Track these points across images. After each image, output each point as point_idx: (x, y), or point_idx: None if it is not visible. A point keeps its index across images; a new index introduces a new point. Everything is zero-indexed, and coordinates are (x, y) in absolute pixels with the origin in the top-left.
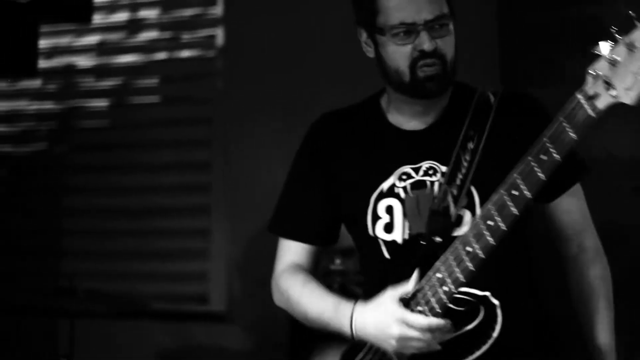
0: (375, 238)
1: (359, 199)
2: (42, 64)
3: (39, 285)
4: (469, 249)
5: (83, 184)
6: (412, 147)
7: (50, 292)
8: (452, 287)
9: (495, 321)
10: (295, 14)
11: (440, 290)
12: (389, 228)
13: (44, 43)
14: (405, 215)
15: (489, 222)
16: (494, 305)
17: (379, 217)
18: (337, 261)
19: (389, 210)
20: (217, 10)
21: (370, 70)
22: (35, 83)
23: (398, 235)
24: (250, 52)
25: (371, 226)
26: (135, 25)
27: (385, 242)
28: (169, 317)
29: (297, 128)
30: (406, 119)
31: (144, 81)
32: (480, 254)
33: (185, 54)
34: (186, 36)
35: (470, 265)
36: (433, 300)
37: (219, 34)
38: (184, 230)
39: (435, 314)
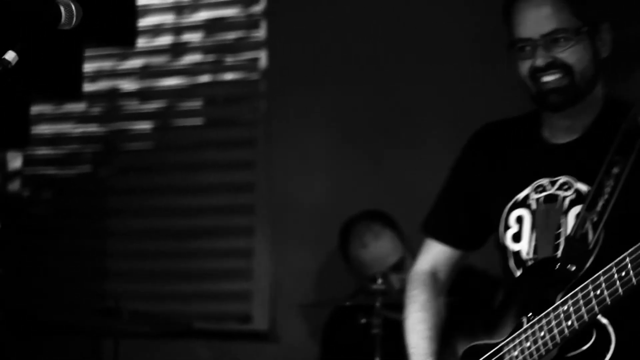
0: (505, 247)
1: (496, 208)
2: (87, 87)
3: (84, 305)
4: (598, 292)
5: (127, 205)
6: (552, 160)
7: (96, 312)
8: (576, 323)
9: (609, 342)
10: (338, 35)
11: (564, 323)
12: (517, 238)
13: (88, 67)
14: (533, 227)
15: (622, 273)
16: (604, 325)
17: (509, 227)
18: (379, 281)
19: (519, 220)
20: (260, 33)
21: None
22: (80, 106)
23: (524, 245)
24: (293, 74)
25: (502, 235)
26: (179, 49)
27: (512, 252)
28: (212, 336)
29: (340, 149)
30: (553, 133)
31: (187, 104)
32: (608, 301)
33: (229, 76)
34: (229, 59)
35: (596, 309)
36: (555, 330)
37: (262, 57)
38: (228, 250)
39: (554, 345)
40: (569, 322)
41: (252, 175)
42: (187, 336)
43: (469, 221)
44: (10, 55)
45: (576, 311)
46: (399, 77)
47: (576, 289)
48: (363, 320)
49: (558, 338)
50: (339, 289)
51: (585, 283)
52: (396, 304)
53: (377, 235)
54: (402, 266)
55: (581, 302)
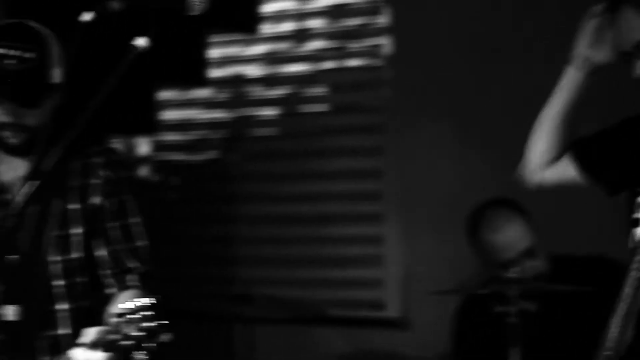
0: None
1: None
2: (213, 73)
3: (216, 292)
4: None
5: (256, 192)
6: None
7: (228, 298)
8: None
9: None
10: (461, 20)
11: None
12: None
13: (214, 53)
14: None
15: None
16: None
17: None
18: (513, 269)
19: None
20: (384, 19)
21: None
22: (206, 92)
23: None
24: (417, 60)
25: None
26: (302, 35)
27: None
28: (345, 323)
29: (467, 133)
30: None
31: (313, 90)
32: None
33: (353, 63)
34: (353, 45)
35: None
36: None
37: (386, 43)
38: (359, 237)
39: None
40: None
41: (379, 162)
42: (320, 323)
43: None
44: (141, 42)
45: None
46: (527, 63)
47: None
48: (498, 309)
49: None
50: (471, 276)
51: None
52: (530, 292)
53: (508, 220)
54: (534, 253)
55: None
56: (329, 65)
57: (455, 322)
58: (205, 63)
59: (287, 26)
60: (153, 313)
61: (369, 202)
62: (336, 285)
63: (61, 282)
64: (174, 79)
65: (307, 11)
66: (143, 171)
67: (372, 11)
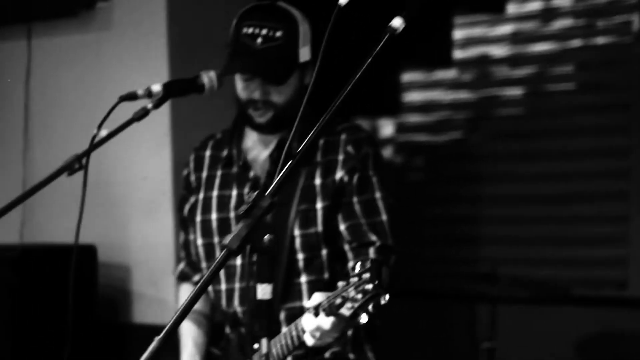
0: None
1: None
2: (457, 54)
3: (460, 271)
4: None
5: (499, 171)
6: None
7: (472, 278)
8: None
9: None
10: None
11: None
12: None
13: (459, 34)
14: None
15: None
16: None
17: None
18: None
19: None
20: None
21: None
22: (451, 73)
23: None
24: None
25: None
26: (549, 14)
27: None
28: (588, 303)
29: None
30: None
31: (559, 69)
32: None
33: (601, 40)
34: (601, 23)
35: None
36: None
37: (635, 20)
38: (602, 216)
39: None
40: None
41: (626, 140)
42: (562, 303)
43: None
44: (397, 22)
45: None
46: None
47: None
48: None
49: None
50: None
51: None
52: None
53: None
54: None
55: None
56: (575, 43)
57: None
58: (450, 44)
59: (534, 5)
60: (375, 276)
61: (614, 180)
62: (579, 264)
63: (302, 256)
64: (419, 60)
65: None
66: (387, 152)
67: None
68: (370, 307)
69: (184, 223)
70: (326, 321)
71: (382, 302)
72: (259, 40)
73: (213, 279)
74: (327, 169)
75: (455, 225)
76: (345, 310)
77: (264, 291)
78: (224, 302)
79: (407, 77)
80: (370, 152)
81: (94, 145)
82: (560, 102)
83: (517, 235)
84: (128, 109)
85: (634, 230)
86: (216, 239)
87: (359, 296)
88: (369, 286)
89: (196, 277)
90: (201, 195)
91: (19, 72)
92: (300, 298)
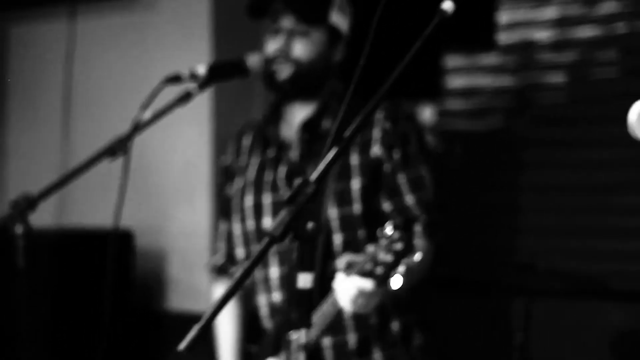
0: None
1: None
2: (501, 38)
3: (497, 261)
4: None
5: (540, 159)
6: None
7: (509, 268)
8: None
9: None
10: None
11: None
12: None
13: (503, 17)
14: None
15: None
16: None
17: None
18: None
19: None
20: None
21: None
22: (494, 58)
23: None
24: None
25: None
26: None
27: None
28: (625, 297)
29: None
30: None
31: (604, 54)
32: None
33: None
34: None
35: None
36: None
37: None
38: None
39: None
40: None
41: None
42: (602, 297)
43: None
44: (448, 5)
45: None
46: None
47: None
48: None
49: None
50: None
51: None
52: None
53: None
54: None
55: None
56: (621, 28)
57: None
58: (495, 27)
59: None
60: (405, 235)
61: None
62: (619, 257)
63: (340, 236)
64: (463, 44)
65: None
66: (427, 138)
67: None
68: (401, 268)
69: (224, 211)
70: (365, 283)
71: (415, 259)
72: None
73: (257, 265)
74: (364, 146)
75: (496, 214)
76: (377, 273)
77: (304, 280)
78: (261, 290)
79: (449, 61)
80: (411, 128)
81: (137, 128)
82: (605, 88)
83: (557, 225)
84: (170, 92)
85: None
86: (252, 224)
87: (389, 258)
88: (399, 245)
89: (233, 270)
90: (240, 181)
91: (59, 54)
92: None
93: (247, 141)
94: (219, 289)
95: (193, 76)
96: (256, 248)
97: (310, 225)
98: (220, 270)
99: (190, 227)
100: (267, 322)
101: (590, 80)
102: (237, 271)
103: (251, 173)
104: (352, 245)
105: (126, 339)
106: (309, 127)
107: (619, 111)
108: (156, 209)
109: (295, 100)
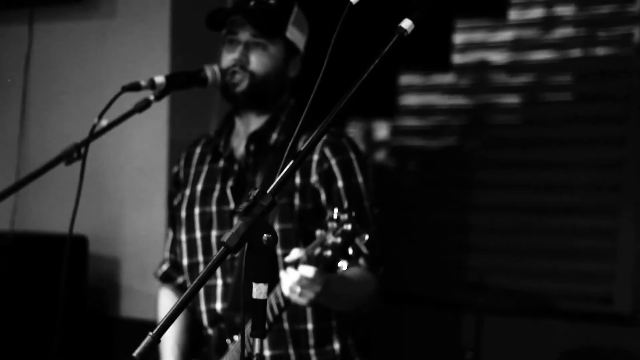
0: None
1: None
2: (456, 59)
3: (447, 278)
4: None
5: (492, 179)
6: None
7: (459, 286)
8: None
9: None
10: None
11: None
12: None
13: (458, 38)
14: None
15: None
16: None
17: None
18: None
19: None
20: (635, 7)
21: None
22: (449, 78)
23: None
24: None
25: None
26: (550, 22)
27: None
28: (573, 317)
29: None
30: None
31: (557, 78)
32: None
33: (601, 51)
34: (602, 33)
35: None
36: None
37: (636, 32)
38: (593, 229)
39: None
40: None
41: (621, 152)
42: (547, 315)
43: None
44: (407, 24)
45: None
46: None
47: None
48: None
49: None
50: None
51: None
52: None
53: None
54: None
55: None
56: (575, 53)
57: None
58: (450, 48)
59: (536, 12)
60: (353, 217)
61: (605, 194)
62: (566, 277)
63: (281, 252)
64: (417, 64)
65: None
66: (380, 155)
67: None
68: (350, 250)
69: (171, 220)
70: (307, 270)
71: (363, 240)
72: (252, 3)
73: (211, 274)
74: (304, 168)
75: (446, 232)
76: (326, 256)
77: (259, 290)
78: (202, 298)
79: (404, 79)
80: (353, 158)
81: (94, 135)
82: (557, 112)
83: (506, 244)
84: (127, 100)
85: (621, 245)
86: (198, 234)
87: (339, 240)
88: (348, 226)
89: (180, 279)
90: (187, 191)
91: (18, 57)
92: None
93: (198, 151)
94: (163, 297)
95: (151, 85)
96: (206, 258)
97: (265, 237)
98: (166, 278)
99: (145, 234)
100: (208, 330)
101: (543, 103)
102: (188, 281)
103: (199, 183)
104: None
105: (79, 345)
106: (257, 138)
107: (571, 134)
108: (112, 215)
109: (251, 112)
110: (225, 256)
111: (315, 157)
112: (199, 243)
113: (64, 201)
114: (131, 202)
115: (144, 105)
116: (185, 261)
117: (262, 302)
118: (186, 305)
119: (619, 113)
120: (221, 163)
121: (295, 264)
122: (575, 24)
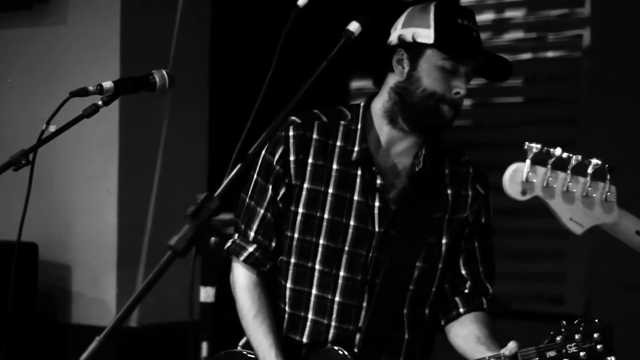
0: None
1: None
2: None
3: None
4: None
5: None
6: None
7: None
8: None
9: None
10: None
11: None
12: None
13: None
14: None
15: None
16: None
17: None
18: None
19: None
20: (585, 10)
21: None
22: None
23: None
24: (616, 53)
25: None
26: (500, 26)
27: None
28: (524, 317)
29: None
30: None
31: (508, 81)
32: None
33: (551, 54)
34: (552, 37)
35: None
36: None
37: (586, 35)
38: (542, 230)
39: None
40: None
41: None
42: (501, 316)
43: None
44: (354, 26)
45: None
46: None
47: None
48: None
49: None
50: None
51: None
52: None
53: None
54: None
55: None
56: (526, 56)
57: None
58: None
59: (486, 16)
60: (610, 346)
61: None
62: (518, 278)
63: (414, 288)
64: (369, 68)
65: (506, 1)
66: None
67: (574, 3)
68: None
69: (270, 201)
70: None
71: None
72: (474, 34)
73: (157, 280)
74: (457, 204)
75: None
76: None
77: (207, 294)
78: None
79: (356, 84)
80: (489, 194)
81: (42, 140)
82: (508, 114)
83: None
84: (78, 106)
85: (572, 247)
86: (321, 241)
87: (582, 354)
88: (600, 347)
89: (268, 266)
90: (307, 185)
91: None
92: (401, 330)
93: (315, 139)
94: (255, 286)
95: (100, 90)
96: (330, 270)
97: (213, 240)
98: (255, 262)
99: (96, 240)
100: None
101: (493, 106)
102: (139, 286)
103: (330, 185)
104: (423, 297)
105: (30, 352)
106: (428, 161)
107: (521, 137)
108: (62, 221)
109: (417, 138)
110: (173, 259)
111: (470, 192)
112: (320, 249)
113: (12, 208)
114: (81, 208)
115: (93, 110)
116: (292, 260)
117: (210, 305)
118: (134, 309)
119: (569, 115)
120: (358, 170)
121: (514, 356)
122: (526, 27)
